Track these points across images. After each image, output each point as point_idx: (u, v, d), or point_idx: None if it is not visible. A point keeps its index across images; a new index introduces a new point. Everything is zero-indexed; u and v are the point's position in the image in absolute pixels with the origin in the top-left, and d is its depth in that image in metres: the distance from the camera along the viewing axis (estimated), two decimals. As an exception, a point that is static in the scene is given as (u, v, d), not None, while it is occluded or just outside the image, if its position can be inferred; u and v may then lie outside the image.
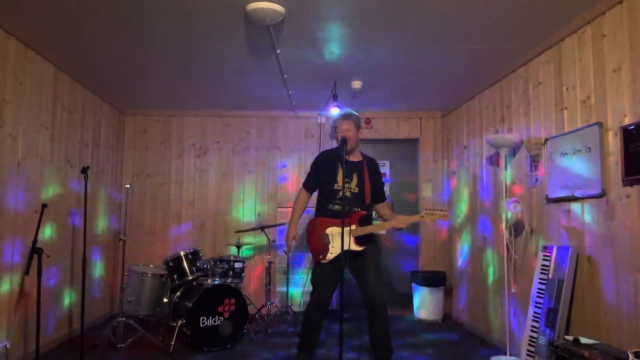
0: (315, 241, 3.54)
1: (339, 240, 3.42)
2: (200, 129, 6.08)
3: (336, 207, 3.52)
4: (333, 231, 3.47)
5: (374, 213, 3.75)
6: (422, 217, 3.44)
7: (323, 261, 3.47)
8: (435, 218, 3.40)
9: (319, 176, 3.65)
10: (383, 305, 3.44)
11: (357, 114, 3.70)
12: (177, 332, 4.10)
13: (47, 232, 4.03)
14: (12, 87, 3.53)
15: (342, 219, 3.18)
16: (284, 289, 5.67)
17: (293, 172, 6.05)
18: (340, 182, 3.52)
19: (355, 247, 3.40)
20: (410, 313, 5.68)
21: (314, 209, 3.71)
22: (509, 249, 4.00)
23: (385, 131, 6.11)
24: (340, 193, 3.50)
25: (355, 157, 3.64)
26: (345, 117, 3.62)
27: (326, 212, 3.56)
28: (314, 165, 3.74)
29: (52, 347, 4.15)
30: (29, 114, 3.78)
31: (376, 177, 3.70)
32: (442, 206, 5.90)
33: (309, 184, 3.72)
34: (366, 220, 3.50)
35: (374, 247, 3.57)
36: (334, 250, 3.45)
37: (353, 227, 3.41)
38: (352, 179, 3.53)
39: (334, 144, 3.79)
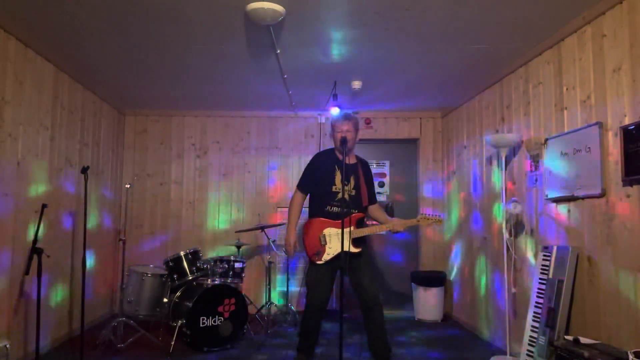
0: (311, 242, 3.54)
1: (336, 241, 3.45)
2: (200, 129, 6.08)
3: (334, 209, 3.53)
4: (330, 232, 3.49)
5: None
6: (419, 221, 3.59)
7: (319, 262, 3.49)
8: (430, 223, 3.58)
9: (316, 178, 3.64)
10: (378, 304, 3.46)
11: (356, 116, 3.73)
12: (177, 332, 4.10)
13: (47, 232, 4.03)
14: (12, 87, 3.53)
15: (342, 221, 3.17)
16: (284, 289, 5.66)
17: (293, 172, 6.06)
18: (339, 184, 3.53)
19: (352, 249, 3.43)
20: (410, 313, 5.68)
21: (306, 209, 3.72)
22: (509, 249, 4.00)
23: (385, 131, 6.11)
24: (339, 195, 3.51)
25: (351, 160, 3.65)
26: (346, 118, 3.63)
27: (323, 214, 3.56)
28: (310, 167, 3.72)
29: (52, 347, 4.15)
30: (29, 114, 3.78)
31: (370, 180, 3.73)
32: (441, 206, 5.91)
33: (305, 186, 3.70)
34: (363, 223, 3.53)
35: (366, 248, 3.61)
36: (330, 251, 3.47)
37: (351, 229, 3.42)
38: (349, 182, 3.54)
39: (332, 144, 3.80)
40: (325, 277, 3.49)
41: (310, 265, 3.58)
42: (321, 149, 5.96)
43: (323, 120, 6.08)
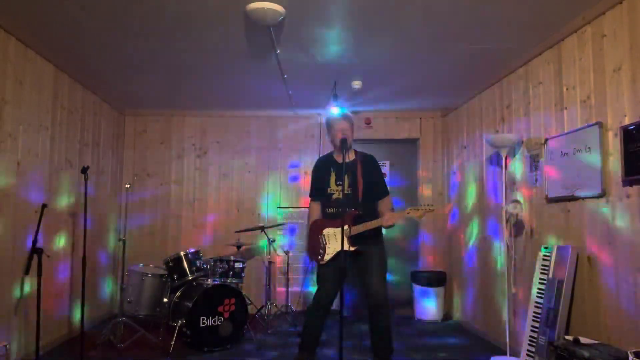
0: (313, 243, 3.58)
1: (334, 241, 3.48)
2: (200, 129, 6.08)
3: (331, 209, 3.58)
4: (328, 232, 3.52)
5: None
6: (408, 212, 3.42)
7: (321, 262, 3.51)
8: (422, 213, 3.40)
9: (317, 185, 3.70)
10: (385, 305, 3.44)
11: (350, 114, 3.72)
12: (177, 332, 4.09)
13: (47, 232, 4.02)
14: (12, 87, 3.53)
15: (340, 219, 3.18)
16: (284, 289, 5.66)
17: (296, 172, 6.06)
18: (333, 186, 3.58)
19: (351, 248, 3.41)
20: (411, 313, 5.68)
21: None
22: (509, 249, 4.00)
23: (385, 131, 6.10)
24: (334, 196, 3.56)
25: (349, 157, 3.62)
26: (343, 117, 3.61)
27: (324, 216, 3.63)
28: (312, 175, 3.79)
29: (52, 347, 4.15)
30: (29, 114, 3.78)
31: (372, 174, 3.61)
32: (441, 206, 5.91)
33: (313, 194, 3.76)
34: (361, 219, 3.46)
35: (378, 247, 3.55)
36: (329, 251, 3.49)
37: (345, 227, 3.40)
38: (343, 182, 3.51)
39: (330, 147, 3.79)
40: (330, 276, 3.49)
41: (317, 265, 3.59)
42: (321, 149, 5.97)
43: (323, 120, 6.07)
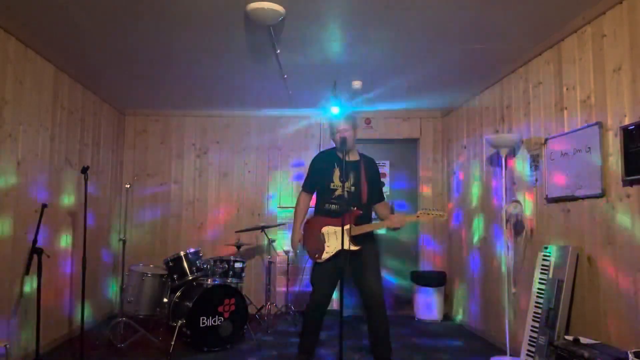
0: (311, 240, 3.54)
1: (334, 239, 3.44)
2: (200, 129, 6.08)
3: (333, 206, 3.53)
4: (328, 230, 3.48)
5: (373, 213, 3.73)
6: (418, 216, 3.41)
7: (319, 260, 3.48)
8: (431, 218, 3.39)
9: (316, 177, 3.66)
10: (382, 304, 3.43)
11: (353, 114, 3.70)
12: (177, 332, 4.09)
13: (47, 232, 4.02)
14: (12, 87, 3.53)
15: (342, 218, 3.16)
16: (284, 289, 5.66)
17: (296, 172, 6.07)
18: (337, 181, 3.53)
19: (352, 247, 3.39)
20: (410, 313, 5.69)
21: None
22: (509, 249, 4.00)
23: (385, 131, 6.10)
24: (337, 192, 3.50)
25: (352, 157, 3.61)
26: (344, 117, 3.62)
27: (323, 212, 3.57)
28: (311, 167, 3.74)
29: (52, 347, 4.15)
30: (29, 114, 3.78)
31: (374, 177, 3.65)
32: (442, 206, 5.90)
33: (308, 186, 3.72)
34: (362, 220, 3.47)
35: (373, 246, 3.56)
36: (329, 250, 3.45)
37: (348, 226, 3.40)
38: (348, 179, 3.51)
39: (332, 144, 3.78)
40: (328, 275, 3.47)
41: (313, 264, 3.57)
42: (321, 149, 5.96)
43: (323, 120, 6.08)
